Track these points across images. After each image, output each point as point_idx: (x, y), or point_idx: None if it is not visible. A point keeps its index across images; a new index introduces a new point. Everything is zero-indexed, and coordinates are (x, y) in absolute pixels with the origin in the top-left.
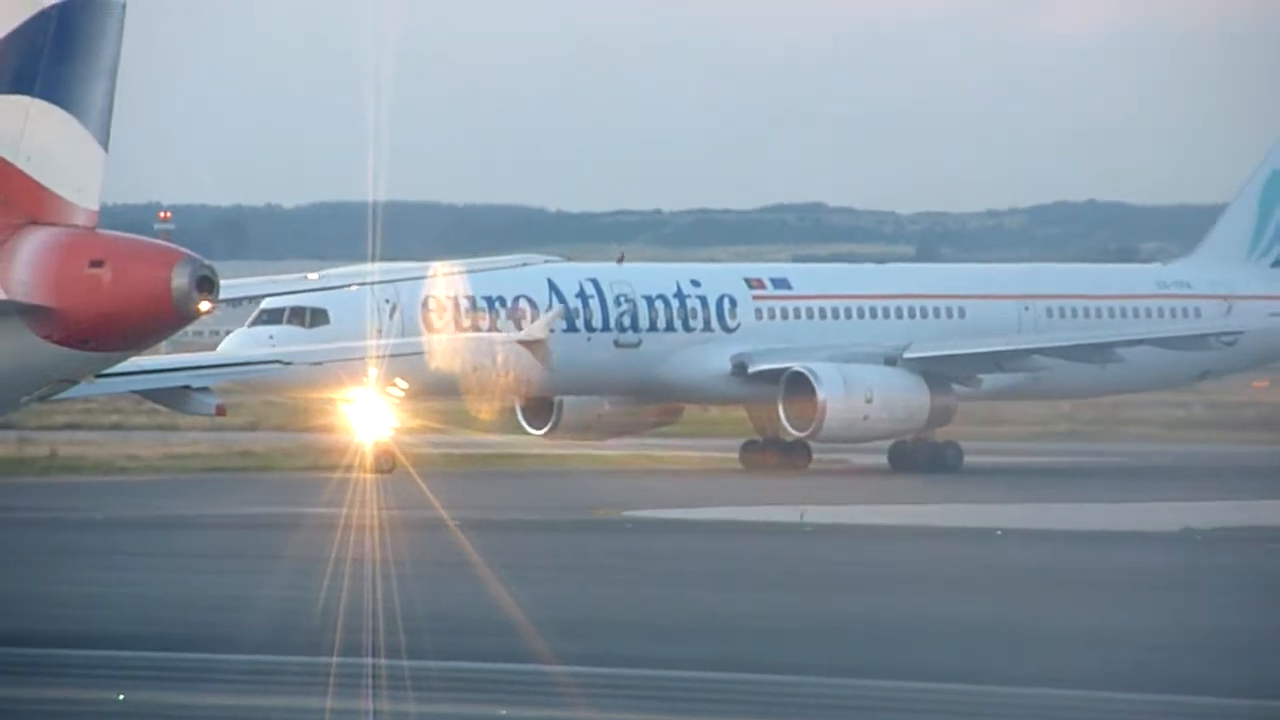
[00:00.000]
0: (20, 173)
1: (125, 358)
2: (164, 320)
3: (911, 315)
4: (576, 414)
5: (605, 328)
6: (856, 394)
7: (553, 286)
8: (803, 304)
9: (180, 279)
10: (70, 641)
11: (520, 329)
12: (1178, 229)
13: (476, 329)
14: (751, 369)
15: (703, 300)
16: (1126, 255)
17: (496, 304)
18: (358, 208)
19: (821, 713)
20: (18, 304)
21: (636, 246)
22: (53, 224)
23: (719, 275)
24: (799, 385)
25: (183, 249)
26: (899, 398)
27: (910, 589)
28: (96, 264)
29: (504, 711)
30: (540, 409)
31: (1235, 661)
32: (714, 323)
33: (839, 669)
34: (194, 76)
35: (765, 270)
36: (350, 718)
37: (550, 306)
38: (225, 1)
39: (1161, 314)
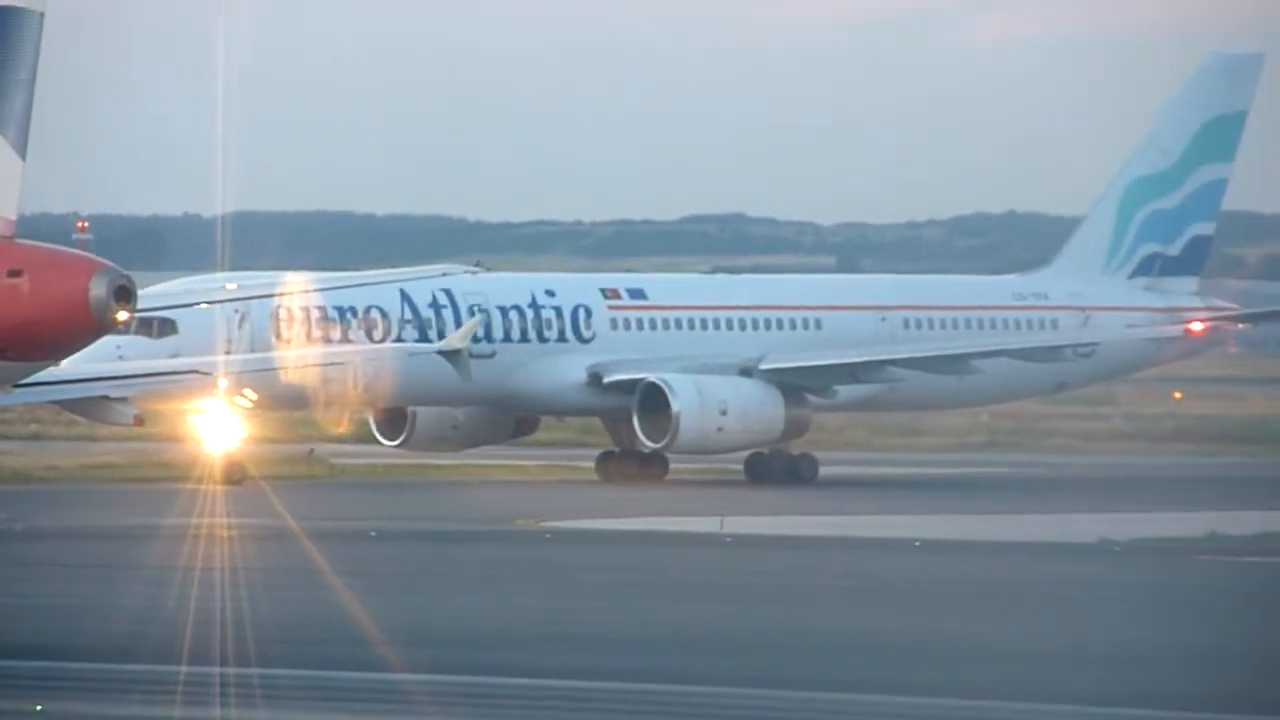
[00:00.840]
0: None
1: (43, 368)
2: (82, 330)
3: (768, 326)
4: (430, 425)
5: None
6: (711, 405)
7: (405, 296)
8: (659, 314)
9: (98, 289)
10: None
11: (371, 340)
12: None
13: (327, 340)
14: (607, 379)
15: (558, 310)
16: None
17: (348, 314)
18: (274, 216)
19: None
20: None
21: (557, 257)
22: None
23: (574, 285)
24: (654, 396)
25: (101, 259)
26: (754, 409)
27: (833, 600)
28: (14, 274)
29: None
30: (394, 420)
31: (1153, 673)
32: (569, 333)
33: (762, 680)
34: (112, 85)
35: (621, 280)
36: None
37: (402, 317)
38: (142, 10)
39: (1019, 325)
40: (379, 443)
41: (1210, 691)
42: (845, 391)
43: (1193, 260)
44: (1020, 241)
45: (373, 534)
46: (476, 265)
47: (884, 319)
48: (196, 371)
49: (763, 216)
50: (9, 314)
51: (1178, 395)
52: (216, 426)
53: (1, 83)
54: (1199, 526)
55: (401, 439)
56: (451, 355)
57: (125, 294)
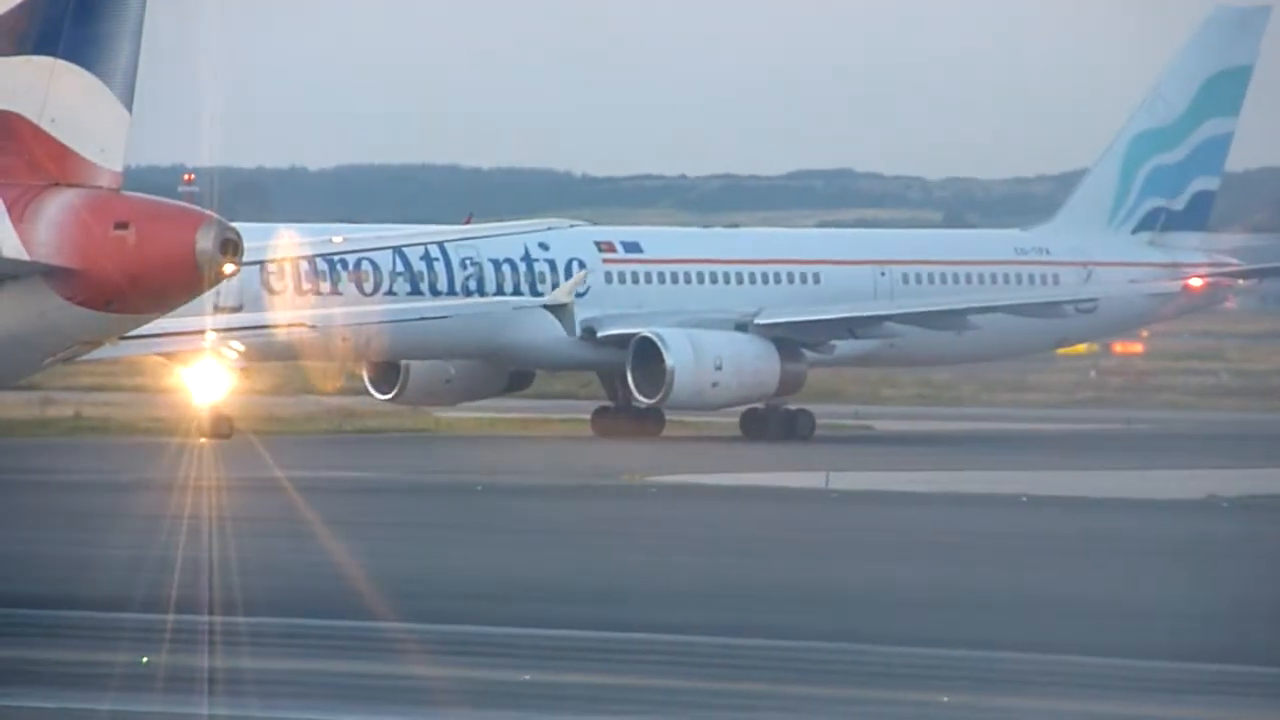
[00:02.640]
0: (45, 134)
1: (150, 320)
2: (188, 282)
3: (764, 280)
4: (423, 379)
5: (450, 291)
6: (706, 361)
7: (397, 250)
8: (654, 268)
9: (204, 241)
10: (97, 604)
11: (363, 292)
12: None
13: (317, 293)
14: (600, 334)
15: (551, 264)
16: None
17: (338, 268)
18: (382, 170)
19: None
20: (42, 265)
21: (662, 211)
22: (77, 185)
23: (568, 239)
24: (648, 351)
25: (207, 211)
26: (749, 364)
27: (938, 556)
28: (121, 226)
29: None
30: (386, 374)
31: (1258, 629)
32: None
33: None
34: (218, 38)
35: (616, 233)
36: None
37: (394, 270)
38: None
39: (1020, 280)
40: (371, 396)
41: None
42: (843, 347)
43: (1196, 215)
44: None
45: (479, 488)
46: (466, 221)
47: (883, 274)
48: (303, 325)
49: (869, 171)
50: (115, 266)
51: None
52: (205, 379)
53: (107, 35)
54: None
55: (394, 392)
56: (558, 309)
57: (231, 246)
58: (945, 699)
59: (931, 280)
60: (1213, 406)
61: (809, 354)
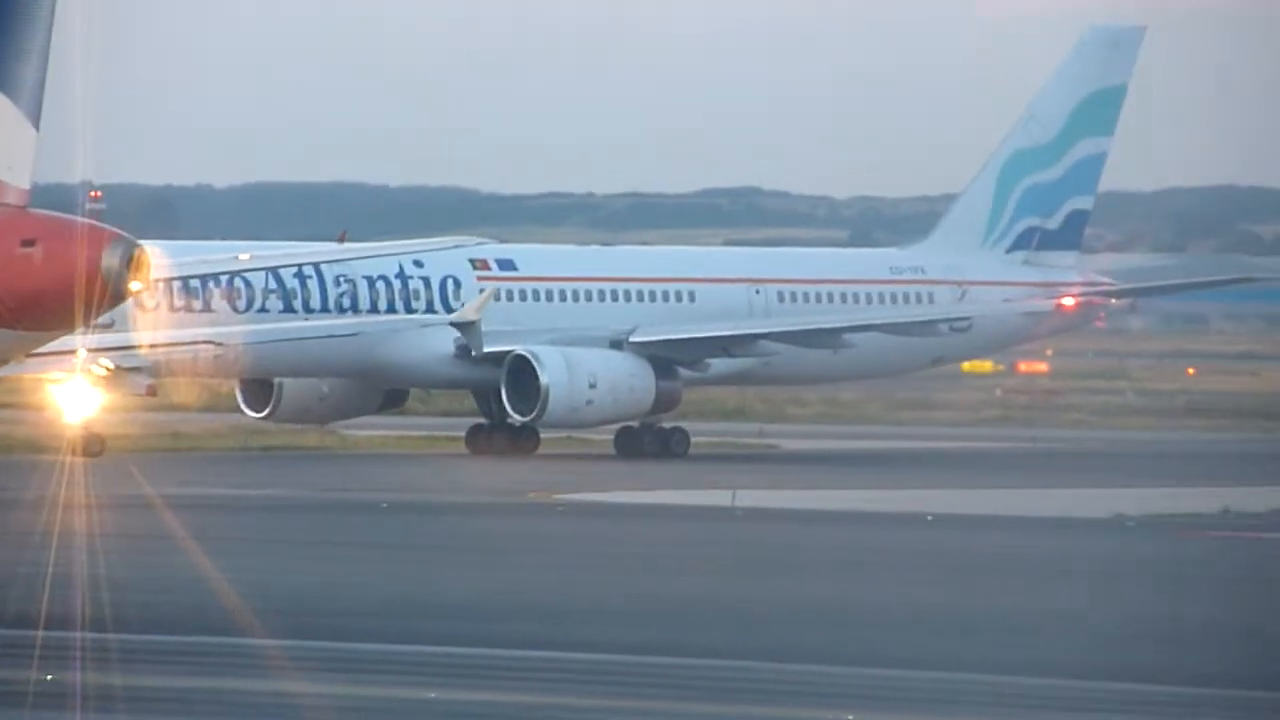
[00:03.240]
0: None
1: (57, 338)
2: (96, 300)
3: (639, 298)
4: (297, 397)
5: (324, 309)
6: (580, 378)
7: (269, 267)
8: (528, 286)
9: (112, 259)
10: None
11: (235, 309)
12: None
13: (188, 310)
14: (475, 351)
15: (425, 281)
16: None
17: (209, 285)
18: (289, 188)
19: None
20: None
21: (569, 230)
22: None
23: (443, 256)
24: (522, 369)
25: (114, 229)
26: (624, 382)
27: (850, 573)
28: (28, 243)
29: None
30: (259, 392)
31: (1157, 648)
32: (437, 304)
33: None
34: (125, 54)
35: (491, 251)
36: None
37: (266, 287)
38: None
39: (895, 299)
40: (244, 413)
41: (1214, 668)
42: (718, 365)
43: (1071, 234)
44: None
45: (384, 505)
46: (340, 238)
47: (758, 292)
48: (210, 342)
49: (777, 190)
50: (22, 284)
51: (1191, 371)
52: (74, 397)
53: (15, 51)
54: (1213, 502)
55: (268, 410)
56: (465, 326)
57: (139, 264)
58: (850, 717)
59: (807, 299)
60: (1118, 425)
61: (684, 372)
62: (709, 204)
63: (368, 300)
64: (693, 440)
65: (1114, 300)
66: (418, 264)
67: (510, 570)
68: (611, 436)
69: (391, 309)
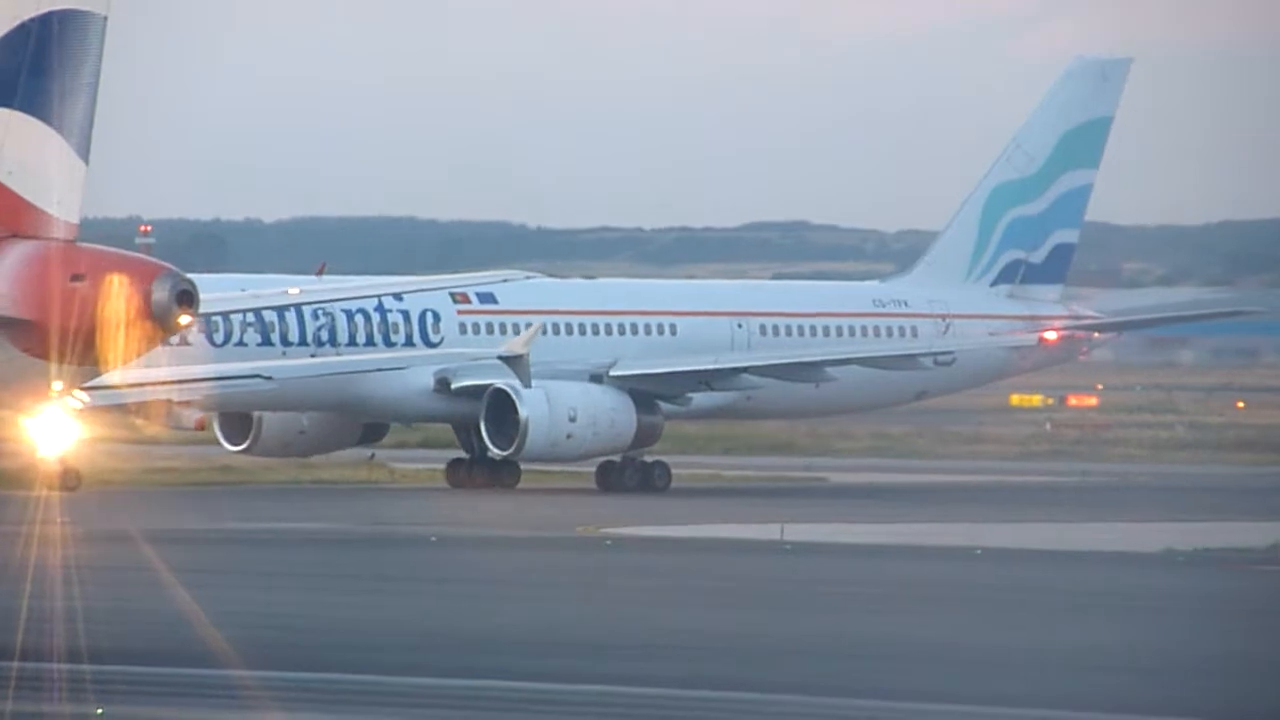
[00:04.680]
0: (1, 186)
1: (107, 371)
2: (145, 333)
3: (621, 332)
4: (276, 431)
5: (302, 342)
6: (560, 412)
7: (318, 301)
8: (509, 319)
9: (161, 292)
10: (47, 655)
11: (212, 343)
12: (1163, 249)
13: (165, 344)
14: (455, 385)
15: (405, 314)
16: (1109, 277)
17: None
18: (338, 222)
19: None
20: (2, 317)
21: (618, 264)
22: (33, 237)
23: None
24: (502, 403)
25: (163, 263)
26: (604, 416)
27: (899, 607)
28: (78, 278)
29: None
30: (238, 425)
31: (1206, 684)
32: (416, 338)
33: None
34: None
35: (470, 283)
36: None
37: (244, 321)
38: (207, 17)
39: (878, 333)
40: (223, 446)
41: (1269, 704)
42: (700, 399)
43: (1056, 267)
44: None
45: (433, 539)
46: (319, 271)
47: (740, 325)
48: (259, 375)
49: (826, 224)
50: (72, 317)
51: (1241, 404)
52: (51, 430)
53: (65, 87)
54: (1263, 537)
55: (247, 444)
56: (513, 360)
57: (188, 297)
58: None
59: (789, 332)
60: (1167, 459)
61: (665, 406)
62: (757, 238)
63: (346, 333)
64: (744, 474)
65: (1097, 334)
66: (397, 298)
67: (572, 604)
68: (593, 470)
69: (370, 342)
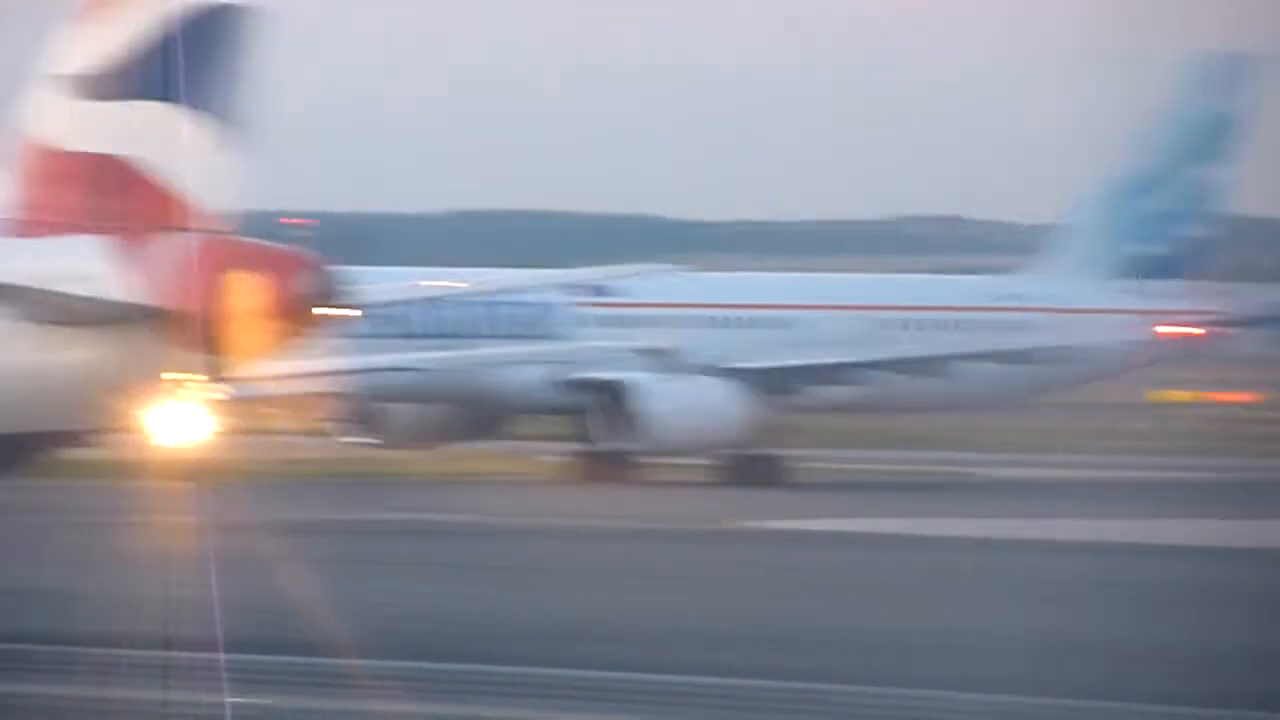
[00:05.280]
0: (157, 179)
1: (257, 362)
2: (296, 325)
3: (740, 325)
4: (403, 422)
5: (425, 334)
6: (677, 405)
7: (467, 295)
8: (627, 312)
9: (309, 285)
10: (209, 645)
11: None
12: None
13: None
14: (572, 378)
15: (524, 307)
16: (1249, 271)
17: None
18: (486, 216)
19: None
20: (151, 308)
21: (757, 256)
22: (187, 229)
23: (540, 282)
24: (620, 395)
25: (312, 255)
26: (721, 410)
27: (1067, 602)
28: (228, 269)
29: None
30: (366, 417)
31: None
32: (534, 329)
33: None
34: (332, 82)
35: (587, 277)
36: None
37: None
38: (365, 10)
39: (998, 327)
40: (353, 439)
41: None
42: (824, 393)
43: (1178, 262)
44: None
45: (578, 532)
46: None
47: (862, 319)
48: (411, 368)
49: (979, 218)
50: (224, 309)
51: None
52: (185, 422)
53: (220, 80)
54: None
55: (374, 435)
56: (662, 353)
57: (335, 291)
58: None
59: (908, 326)
60: None
61: (784, 400)
62: (905, 231)
63: (468, 326)
64: (886, 470)
65: (1220, 329)
66: (515, 290)
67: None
68: (711, 464)
69: (491, 335)
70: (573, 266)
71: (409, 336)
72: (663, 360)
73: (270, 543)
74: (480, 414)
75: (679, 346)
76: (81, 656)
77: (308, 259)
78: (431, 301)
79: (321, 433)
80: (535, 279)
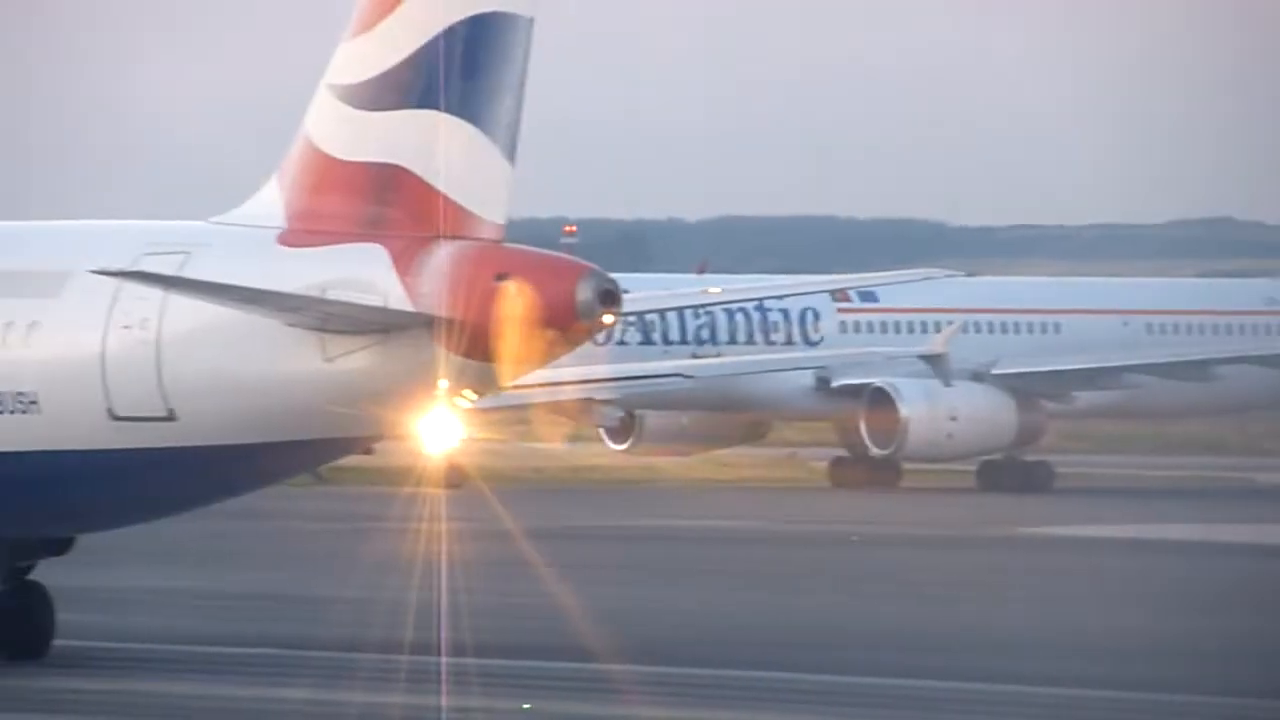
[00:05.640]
0: (429, 187)
1: (530, 370)
2: (568, 333)
3: (1003, 330)
4: (657, 429)
5: (683, 340)
6: (940, 411)
7: (732, 301)
8: (889, 317)
9: (585, 292)
10: (477, 651)
11: (594, 341)
12: None
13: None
14: (835, 384)
15: (785, 313)
16: None
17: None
18: (756, 221)
19: None
20: (425, 316)
21: (1038, 261)
22: (460, 238)
23: (802, 289)
24: (882, 401)
25: (587, 262)
26: (985, 415)
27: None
28: (502, 277)
29: None
30: (620, 424)
31: None
32: (796, 335)
33: None
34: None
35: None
36: None
37: (626, 319)
38: (631, 21)
39: (1269, 331)
40: (605, 445)
41: None
42: (1083, 398)
43: None
44: None
45: (854, 538)
46: (700, 270)
47: (1126, 323)
48: (679, 375)
49: (1252, 220)
50: (497, 317)
51: None
52: (438, 429)
53: (491, 89)
54: None
55: (629, 442)
56: (934, 358)
57: (611, 297)
58: None
59: (1177, 330)
60: None
61: (1048, 405)
62: (1181, 235)
63: (726, 331)
64: (1156, 475)
65: None
66: (778, 297)
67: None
68: (973, 470)
69: (750, 340)
70: (846, 272)
71: (670, 344)
72: (927, 365)
73: (570, 548)
74: (740, 419)
75: (944, 352)
76: (354, 662)
77: (583, 267)
78: (693, 308)
79: (579, 439)
80: (797, 284)
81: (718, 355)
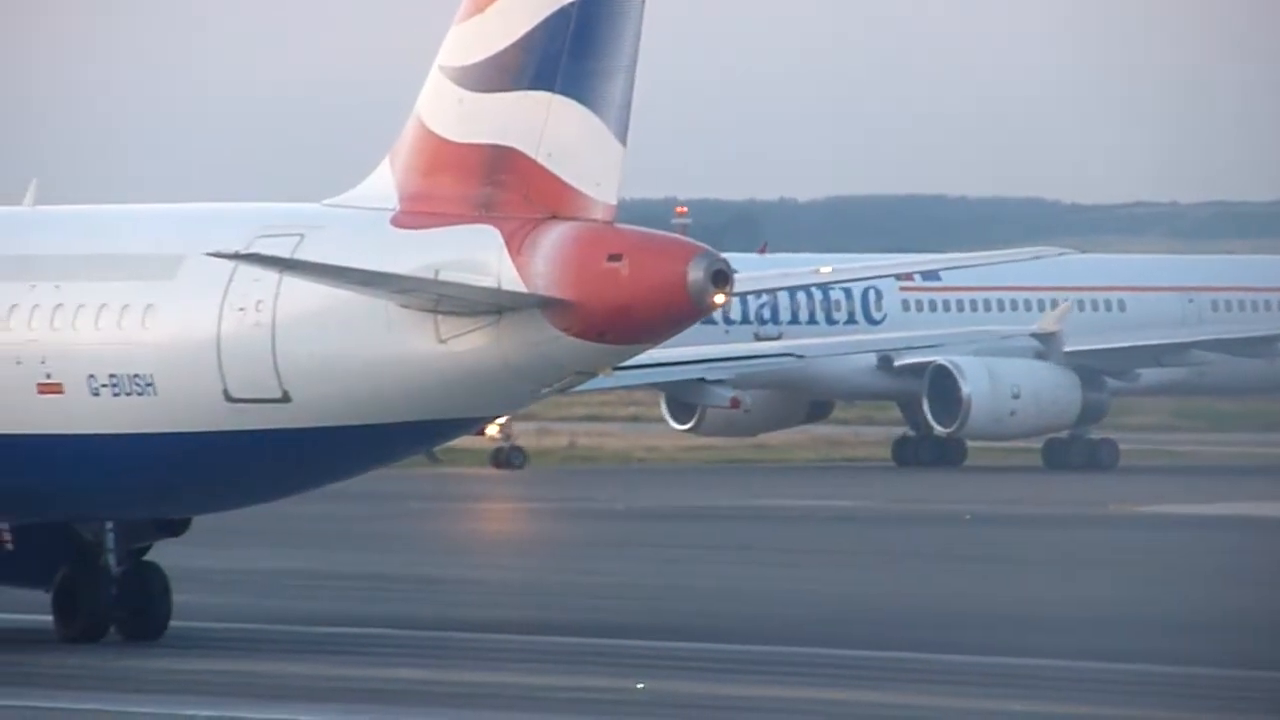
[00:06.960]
0: (541, 168)
1: (641, 350)
2: (680, 313)
3: (1074, 308)
4: (720, 410)
5: (745, 320)
6: (1003, 389)
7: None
8: (951, 296)
9: (696, 273)
10: (587, 630)
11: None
12: None
13: None
14: (897, 363)
15: (847, 293)
16: None
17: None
18: (869, 201)
19: None
20: (538, 297)
21: (1151, 240)
22: (572, 218)
23: (905, 268)
24: (944, 380)
25: (699, 243)
26: (1048, 393)
27: None
28: (615, 258)
29: None
30: (683, 404)
31: None
32: (858, 315)
33: None
34: (706, 72)
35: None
36: None
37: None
38: (744, 2)
39: None
40: (669, 426)
41: None
42: (1147, 375)
43: None
44: None
45: (968, 517)
46: (761, 249)
47: (1191, 300)
48: (790, 354)
49: None
50: (609, 298)
51: None
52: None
53: (602, 70)
54: None
55: (692, 423)
56: (1045, 337)
57: (722, 278)
58: None
59: (1243, 307)
60: None
61: (1112, 382)
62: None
63: (788, 311)
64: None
65: None
66: (884, 277)
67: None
68: (1038, 447)
69: (813, 320)
70: (958, 251)
71: (733, 324)
72: (993, 344)
73: (678, 529)
74: (804, 399)
75: (1057, 330)
76: (467, 642)
77: (695, 247)
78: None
79: (643, 420)
80: (901, 264)
81: (779, 335)
